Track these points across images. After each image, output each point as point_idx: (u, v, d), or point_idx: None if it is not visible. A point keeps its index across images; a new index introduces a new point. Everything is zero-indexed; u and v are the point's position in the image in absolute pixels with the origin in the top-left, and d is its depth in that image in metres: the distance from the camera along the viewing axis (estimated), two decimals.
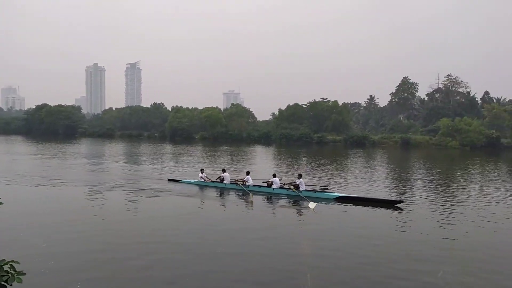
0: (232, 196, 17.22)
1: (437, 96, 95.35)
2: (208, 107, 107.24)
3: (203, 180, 19.68)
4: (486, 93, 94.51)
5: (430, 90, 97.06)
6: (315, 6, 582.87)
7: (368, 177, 25.97)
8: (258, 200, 16.09)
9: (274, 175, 18.11)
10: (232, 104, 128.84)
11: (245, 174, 18.75)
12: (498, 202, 16.37)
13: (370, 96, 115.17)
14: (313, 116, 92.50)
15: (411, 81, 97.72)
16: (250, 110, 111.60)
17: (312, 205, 14.40)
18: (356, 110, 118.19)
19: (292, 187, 16.87)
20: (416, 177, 26.87)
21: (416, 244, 10.29)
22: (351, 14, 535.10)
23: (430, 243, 10.35)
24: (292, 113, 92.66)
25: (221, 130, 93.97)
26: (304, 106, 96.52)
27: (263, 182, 18.35)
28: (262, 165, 33.67)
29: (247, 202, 15.63)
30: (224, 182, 18.78)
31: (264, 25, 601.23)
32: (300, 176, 17.31)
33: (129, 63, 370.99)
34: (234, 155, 43.86)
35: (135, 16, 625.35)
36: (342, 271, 8.24)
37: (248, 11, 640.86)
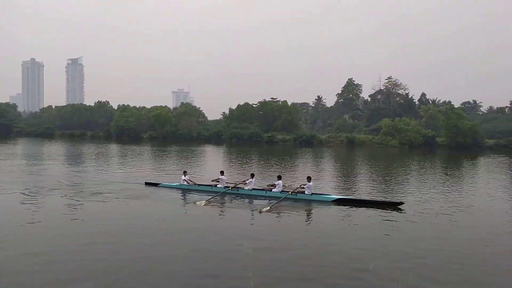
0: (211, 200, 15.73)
1: (379, 97, 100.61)
2: (156, 106, 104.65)
3: (186, 183, 18.29)
4: (423, 95, 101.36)
5: (373, 92, 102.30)
6: (269, 7, 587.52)
7: (319, 175, 26.74)
8: (249, 204, 15.45)
9: (279, 177, 17.04)
10: (182, 103, 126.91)
11: (250, 176, 17.44)
12: (433, 198, 17.59)
13: (318, 96, 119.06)
14: (263, 115, 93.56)
15: (355, 82, 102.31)
16: (200, 109, 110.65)
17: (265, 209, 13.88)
18: (305, 110, 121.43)
19: (290, 191, 16.02)
20: (362, 173, 28.13)
21: (359, 242, 10.72)
22: (306, 16, 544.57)
23: (370, 240, 10.89)
24: (242, 113, 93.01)
25: (171, 129, 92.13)
26: (254, 105, 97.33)
27: (267, 186, 17.46)
28: (213, 164, 33.43)
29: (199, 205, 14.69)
30: (218, 185, 17.59)
31: (217, 24, 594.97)
32: (309, 178, 16.25)
33: (70, 59, 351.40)
34: (184, 155, 43.13)
35: (76, 8, 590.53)
36: (285, 272, 8.29)
37: (202, 8, 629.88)
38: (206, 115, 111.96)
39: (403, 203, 14.89)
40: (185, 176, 18.66)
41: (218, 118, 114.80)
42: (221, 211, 14.49)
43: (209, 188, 17.66)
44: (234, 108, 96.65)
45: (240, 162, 36.40)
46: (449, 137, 66.69)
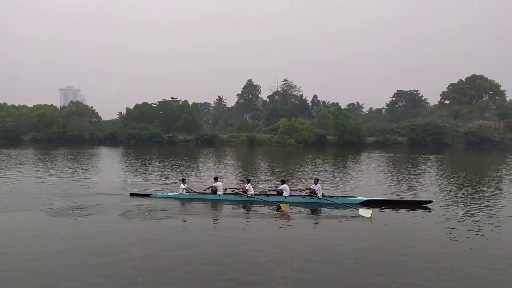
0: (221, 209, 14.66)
1: (276, 98, 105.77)
2: (40, 105, 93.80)
3: (185, 192, 16.21)
4: (315, 96, 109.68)
5: (271, 93, 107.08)
6: (171, 4, 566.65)
7: (224, 174, 26.78)
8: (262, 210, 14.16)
9: (283, 181, 15.83)
10: (71, 101, 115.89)
11: (245, 182, 16.19)
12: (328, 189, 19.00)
13: (219, 96, 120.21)
14: (163, 115, 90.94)
15: (254, 83, 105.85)
16: (93, 108, 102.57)
17: (366, 213, 12.75)
18: (206, 110, 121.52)
19: (307, 194, 15.27)
20: (259, 171, 29.07)
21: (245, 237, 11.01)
22: (211, 16, 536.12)
23: (257, 234, 11.24)
24: (141, 112, 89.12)
25: (58, 130, 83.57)
26: (153, 105, 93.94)
27: (269, 191, 16.27)
28: (109, 167, 31.14)
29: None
30: (218, 193, 15.96)
31: (114, 18, 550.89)
32: (316, 181, 15.70)
33: None
34: (73, 158, 39.34)
35: None
36: (176, 272, 8.11)
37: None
38: (100, 115, 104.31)
39: (432, 201, 14.72)
40: (184, 184, 16.49)
41: (114, 118, 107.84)
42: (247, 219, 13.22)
43: (216, 197, 15.84)
44: (131, 107, 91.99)
45: (139, 164, 34.61)
46: (338, 136, 73.27)
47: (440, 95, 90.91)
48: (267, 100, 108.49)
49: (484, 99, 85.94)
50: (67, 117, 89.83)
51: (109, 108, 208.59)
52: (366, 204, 14.58)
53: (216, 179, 16.58)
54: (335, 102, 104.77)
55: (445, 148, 63.31)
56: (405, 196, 17.28)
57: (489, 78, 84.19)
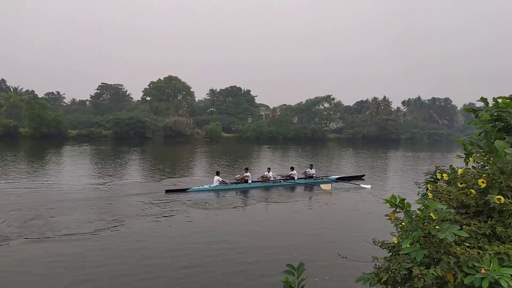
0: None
1: None
2: None
3: (223, 184, 17.52)
4: (3, 81, 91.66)
5: None
6: None
7: None
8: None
9: (292, 168, 20.37)
10: None
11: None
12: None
13: None
14: None
15: None
16: None
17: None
18: None
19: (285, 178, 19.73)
20: None
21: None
22: None
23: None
24: None
25: None
26: None
27: (282, 176, 19.75)
28: None
29: None
30: (249, 182, 18.28)
31: None
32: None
33: None
34: None
35: None
36: None
37: None
38: None
39: (364, 175, 22.09)
40: (219, 176, 17.78)
41: None
42: None
43: (247, 185, 18.11)
44: None
45: None
46: (33, 128, 64.68)
47: (142, 91, 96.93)
48: None
49: (179, 97, 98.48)
50: None
51: None
52: (338, 180, 20.01)
53: (246, 169, 19.09)
54: (30, 90, 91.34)
55: (147, 141, 68.16)
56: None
57: (182, 80, 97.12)
